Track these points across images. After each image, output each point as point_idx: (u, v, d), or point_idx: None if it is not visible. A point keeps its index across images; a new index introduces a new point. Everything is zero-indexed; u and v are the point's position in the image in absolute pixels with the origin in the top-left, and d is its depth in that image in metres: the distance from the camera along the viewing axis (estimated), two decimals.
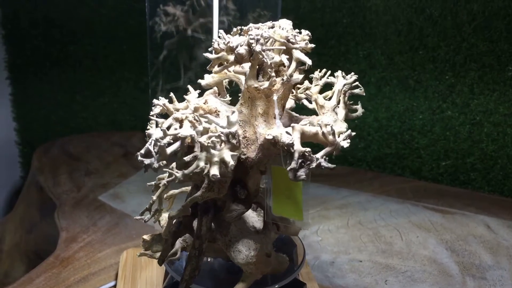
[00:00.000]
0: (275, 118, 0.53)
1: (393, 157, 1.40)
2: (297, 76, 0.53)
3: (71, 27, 1.63)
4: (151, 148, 0.46)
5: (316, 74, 0.64)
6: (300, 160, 0.47)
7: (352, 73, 0.63)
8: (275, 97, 0.53)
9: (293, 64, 0.53)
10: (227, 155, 0.47)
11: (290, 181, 0.51)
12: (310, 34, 0.54)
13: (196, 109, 0.53)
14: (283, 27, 0.53)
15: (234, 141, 0.48)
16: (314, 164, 0.47)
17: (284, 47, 0.53)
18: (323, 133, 0.49)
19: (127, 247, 0.93)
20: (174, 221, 0.58)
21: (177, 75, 0.90)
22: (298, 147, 0.48)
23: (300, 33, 0.55)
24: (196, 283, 0.60)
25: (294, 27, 0.55)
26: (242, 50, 0.51)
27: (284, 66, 0.54)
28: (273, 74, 0.52)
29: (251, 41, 0.51)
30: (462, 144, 1.30)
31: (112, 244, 0.98)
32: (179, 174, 0.48)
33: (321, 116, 0.59)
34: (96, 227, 1.04)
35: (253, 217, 0.63)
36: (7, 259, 1.25)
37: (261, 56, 0.51)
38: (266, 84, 0.52)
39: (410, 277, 0.87)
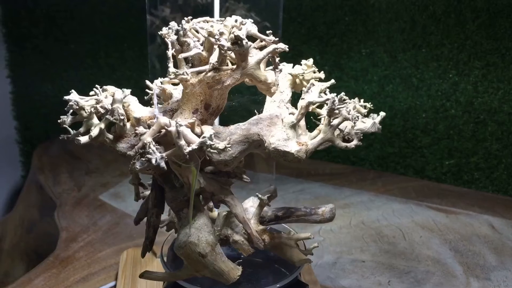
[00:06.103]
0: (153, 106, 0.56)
1: (396, 156, 1.39)
2: (212, 74, 0.53)
3: (71, 25, 1.63)
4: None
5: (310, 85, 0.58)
6: (141, 151, 0.48)
7: (342, 94, 0.53)
8: (154, 87, 0.56)
9: (211, 61, 0.53)
10: (96, 128, 0.51)
11: (188, 182, 0.53)
12: (240, 35, 0.50)
13: (163, 91, 0.59)
14: (226, 24, 0.52)
15: (111, 118, 0.52)
16: (144, 158, 0.48)
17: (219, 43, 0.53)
18: (167, 130, 0.49)
19: (127, 247, 0.92)
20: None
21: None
22: (145, 137, 0.49)
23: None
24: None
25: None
26: (168, 40, 0.54)
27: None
28: (170, 64, 0.53)
29: (168, 31, 0.53)
30: (466, 143, 1.29)
31: (113, 243, 0.97)
32: (70, 135, 0.52)
33: (275, 130, 0.55)
34: (97, 227, 1.04)
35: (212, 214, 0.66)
36: (7, 259, 1.25)
37: (177, 46, 0.53)
38: (170, 70, 0.53)
39: (414, 277, 0.86)
